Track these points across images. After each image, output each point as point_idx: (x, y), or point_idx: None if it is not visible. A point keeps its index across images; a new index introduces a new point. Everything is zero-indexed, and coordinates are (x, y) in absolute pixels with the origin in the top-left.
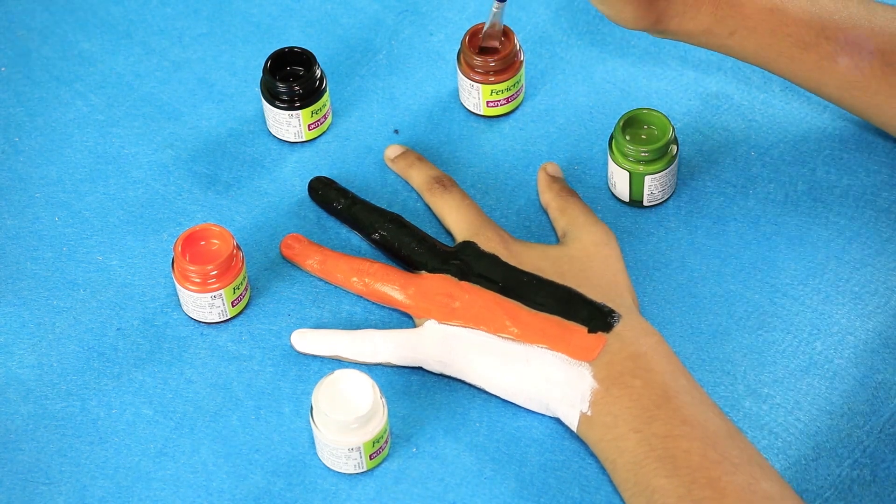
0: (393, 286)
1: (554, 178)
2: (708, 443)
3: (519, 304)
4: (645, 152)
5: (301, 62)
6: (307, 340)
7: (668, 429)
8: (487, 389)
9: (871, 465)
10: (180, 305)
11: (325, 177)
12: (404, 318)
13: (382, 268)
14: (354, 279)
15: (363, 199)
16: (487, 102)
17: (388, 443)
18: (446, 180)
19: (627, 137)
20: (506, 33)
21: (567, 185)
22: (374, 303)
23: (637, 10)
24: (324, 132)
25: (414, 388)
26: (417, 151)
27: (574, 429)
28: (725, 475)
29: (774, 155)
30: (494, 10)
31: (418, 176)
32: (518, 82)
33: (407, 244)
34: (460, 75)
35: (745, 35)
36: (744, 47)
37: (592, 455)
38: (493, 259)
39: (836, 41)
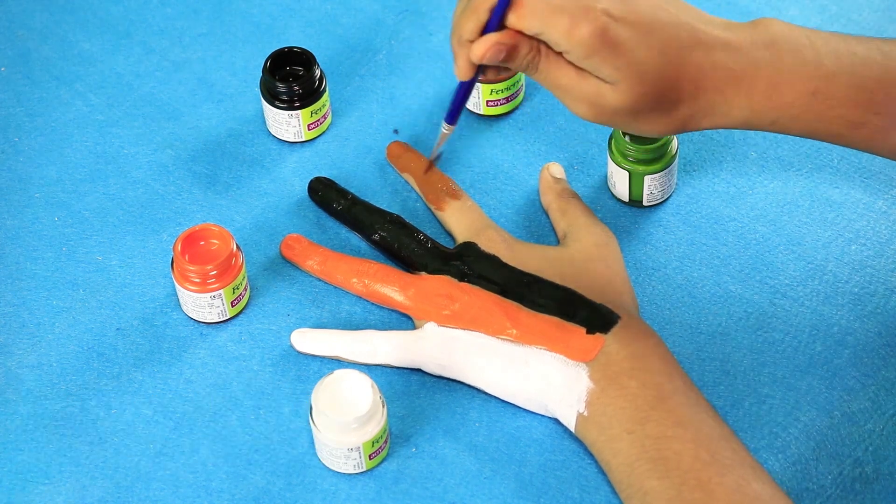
0: (392, 287)
1: (557, 180)
2: (700, 444)
3: (518, 305)
4: (645, 152)
5: (301, 62)
6: (307, 340)
7: (661, 430)
8: (487, 391)
9: (873, 462)
10: (180, 305)
11: (324, 177)
12: (404, 319)
13: (382, 269)
14: (354, 280)
15: (363, 199)
16: (487, 102)
17: (388, 443)
18: (452, 186)
19: (627, 137)
20: None
21: (569, 187)
22: (373, 303)
23: (657, 125)
24: (323, 132)
25: (413, 388)
26: (418, 151)
27: (572, 429)
28: (716, 476)
29: (774, 155)
30: (444, 131)
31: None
32: (518, 82)
33: (407, 245)
34: None
35: (789, 122)
36: (788, 131)
37: (592, 455)
38: (494, 260)
39: (886, 115)
